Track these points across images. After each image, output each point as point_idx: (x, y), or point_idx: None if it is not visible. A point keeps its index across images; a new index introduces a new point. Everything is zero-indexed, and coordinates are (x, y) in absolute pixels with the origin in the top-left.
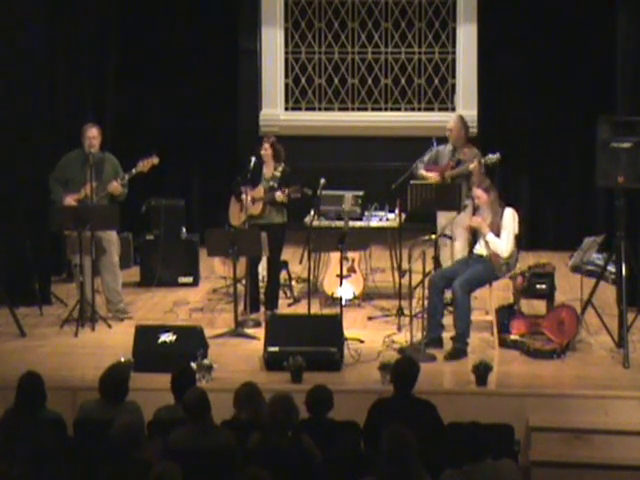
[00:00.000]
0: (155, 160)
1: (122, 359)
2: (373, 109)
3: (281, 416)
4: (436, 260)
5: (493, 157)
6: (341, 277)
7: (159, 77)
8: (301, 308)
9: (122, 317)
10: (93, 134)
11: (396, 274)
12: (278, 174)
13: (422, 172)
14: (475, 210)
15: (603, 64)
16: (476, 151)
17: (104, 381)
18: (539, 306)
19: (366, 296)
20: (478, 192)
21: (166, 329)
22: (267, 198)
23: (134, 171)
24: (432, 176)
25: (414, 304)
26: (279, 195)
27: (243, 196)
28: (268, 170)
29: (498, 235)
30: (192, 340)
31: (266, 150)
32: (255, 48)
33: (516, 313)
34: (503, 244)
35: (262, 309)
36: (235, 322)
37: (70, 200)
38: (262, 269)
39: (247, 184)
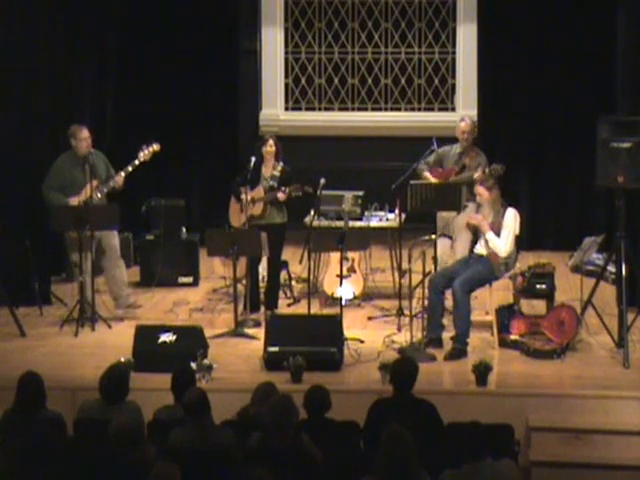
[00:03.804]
0: (156, 147)
1: (122, 359)
2: (373, 109)
3: (281, 416)
4: (436, 260)
5: (497, 167)
6: (341, 277)
7: (159, 77)
8: (301, 308)
9: (132, 312)
10: (86, 135)
11: (396, 274)
12: (277, 174)
13: (426, 174)
14: (477, 208)
15: (603, 64)
16: (482, 157)
17: (104, 381)
18: (539, 306)
19: (366, 296)
20: (480, 189)
21: (166, 329)
22: (268, 198)
23: (137, 162)
24: (436, 181)
25: (414, 304)
26: (280, 195)
27: (243, 196)
28: (267, 170)
29: (498, 234)
30: (192, 340)
31: (271, 147)
32: (255, 48)
33: (516, 313)
34: (502, 243)
35: (262, 309)
36: (235, 322)
37: (74, 202)
38: (262, 269)
39: (247, 184)
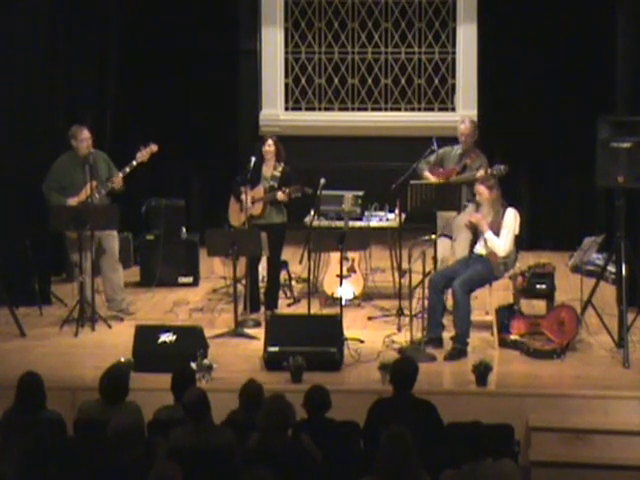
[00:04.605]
0: (154, 147)
1: (122, 359)
2: (373, 109)
3: (276, 417)
4: (436, 260)
5: (500, 168)
6: (341, 277)
7: (159, 77)
8: (301, 308)
9: (123, 317)
10: (87, 135)
11: (396, 274)
12: (278, 174)
13: (427, 174)
14: (477, 207)
15: (603, 64)
16: (483, 159)
17: (104, 381)
18: (539, 306)
19: (366, 296)
20: (480, 188)
21: (166, 329)
22: (268, 198)
23: (134, 163)
24: (437, 180)
25: (414, 304)
26: (280, 195)
27: (243, 196)
28: (268, 170)
29: (497, 234)
30: (192, 340)
31: (269, 146)
32: (255, 48)
33: (516, 313)
34: (501, 243)
35: (262, 309)
36: (235, 322)
37: (73, 203)
38: (262, 269)
39: (247, 184)
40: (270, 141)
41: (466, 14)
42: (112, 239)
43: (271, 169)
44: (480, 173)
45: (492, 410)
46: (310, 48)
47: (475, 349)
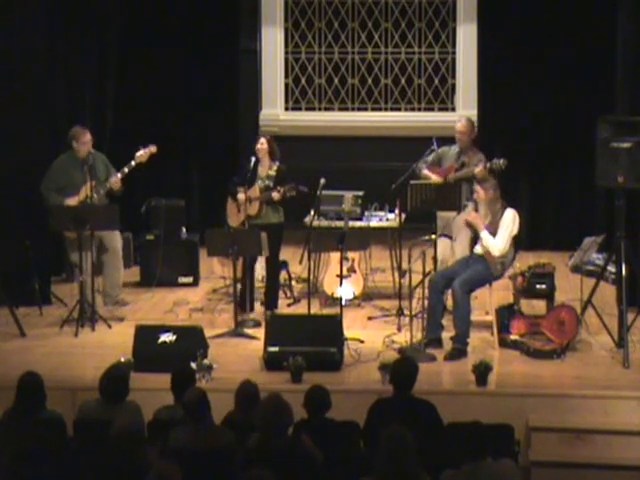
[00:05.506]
0: (153, 149)
1: (122, 359)
2: (373, 109)
3: (272, 417)
4: (436, 260)
5: (499, 162)
6: (341, 277)
7: (159, 77)
8: (301, 308)
9: (120, 308)
10: (89, 138)
11: (396, 274)
12: (273, 173)
13: (425, 172)
14: (475, 206)
15: (603, 64)
16: (481, 156)
17: (104, 381)
18: (539, 306)
19: (366, 296)
20: (477, 188)
21: (166, 329)
22: (263, 198)
23: (133, 163)
24: (435, 178)
25: (414, 304)
26: (275, 194)
27: (239, 196)
28: (263, 169)
29: (494, 234)
30: (192, 340)
31: (262, 145)
32: (255, 48)
33: (516, 313)
34: (497, 242)
35: (262, 309)
36: (235, 322)
37: (72, 203)
38: (261, 269)
39: (245, 184)
40: (263, 140)
41: (466, 14)
42: (115, 238)
43: (266, 169)
44: (479, 168)
45: (492, 410)
46: (310, 48)
47: (475, 349)
